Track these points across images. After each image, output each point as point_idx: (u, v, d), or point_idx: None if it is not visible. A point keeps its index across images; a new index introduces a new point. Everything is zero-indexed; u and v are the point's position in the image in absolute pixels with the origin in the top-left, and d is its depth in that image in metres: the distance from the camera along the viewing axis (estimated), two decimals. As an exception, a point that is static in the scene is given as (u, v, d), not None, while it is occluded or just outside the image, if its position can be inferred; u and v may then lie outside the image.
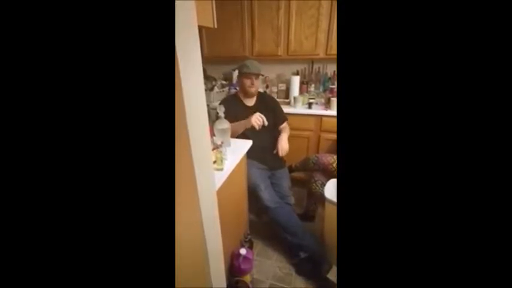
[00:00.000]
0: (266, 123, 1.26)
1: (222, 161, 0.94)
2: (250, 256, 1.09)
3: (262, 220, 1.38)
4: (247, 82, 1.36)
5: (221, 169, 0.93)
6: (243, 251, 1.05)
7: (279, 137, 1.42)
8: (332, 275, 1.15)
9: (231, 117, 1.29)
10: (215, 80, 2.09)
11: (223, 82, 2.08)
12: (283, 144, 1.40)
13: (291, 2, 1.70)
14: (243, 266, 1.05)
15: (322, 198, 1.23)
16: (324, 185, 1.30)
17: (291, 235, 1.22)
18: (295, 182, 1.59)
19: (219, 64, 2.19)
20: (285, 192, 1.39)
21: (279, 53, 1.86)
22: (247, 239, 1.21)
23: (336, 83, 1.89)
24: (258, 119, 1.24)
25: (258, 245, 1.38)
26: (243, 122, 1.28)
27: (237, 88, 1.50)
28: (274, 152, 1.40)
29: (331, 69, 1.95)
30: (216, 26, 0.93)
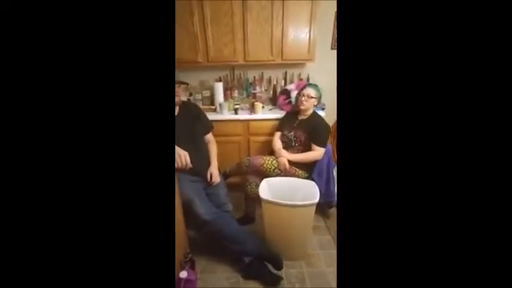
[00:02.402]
0: (189, 165, 1.19)
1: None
2: (192, 277, 1.01)
3: (202, 235, 1.30)
4: None
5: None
6: (183, 274, 0.96)
7: (209, 165, 1.38)
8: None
9: None
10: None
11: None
12: (215, 174, 1.37)
13: (205, 9, 1.70)
14: (186, 291, 0.95)
15: (259, 199, 1.27)
16: (258, 186, 1.35)
17: (233, 243, 1.20)
18: (231, 187, 1.58)
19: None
20: (222, 200, 1.36)
21: (199, 60, 1.82)
22: (187, 259, 1.12)
23: (257, 88, 2.01)
24: (181, 160, 1.16)
25: (201, 262, 1.29)
26: None
27: None
28: (208, 179, 1.35)
29: (252, 74, 2.06)
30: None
